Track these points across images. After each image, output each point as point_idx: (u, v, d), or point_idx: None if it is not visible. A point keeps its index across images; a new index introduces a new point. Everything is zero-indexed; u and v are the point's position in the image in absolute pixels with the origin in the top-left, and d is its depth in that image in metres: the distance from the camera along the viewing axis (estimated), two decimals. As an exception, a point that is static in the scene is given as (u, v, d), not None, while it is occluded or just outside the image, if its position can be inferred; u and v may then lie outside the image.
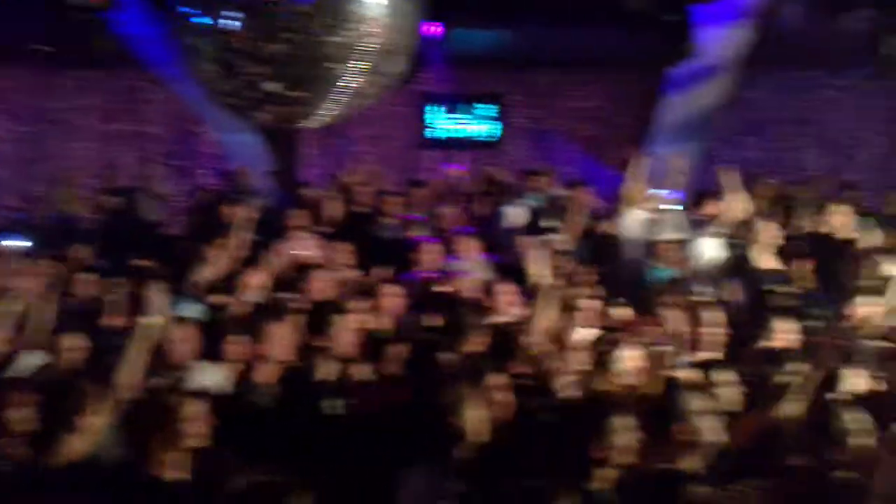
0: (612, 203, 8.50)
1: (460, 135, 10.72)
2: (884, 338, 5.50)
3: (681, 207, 7.98)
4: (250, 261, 6.52)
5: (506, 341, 4.75)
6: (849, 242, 7.52)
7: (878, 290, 6.15)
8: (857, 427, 3.38)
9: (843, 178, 10.09)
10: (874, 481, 2.83)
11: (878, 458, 2.88)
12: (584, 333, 4.97)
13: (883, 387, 4.58)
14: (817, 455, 3.35)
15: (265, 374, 4.63)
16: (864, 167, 10.63)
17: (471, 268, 7.33)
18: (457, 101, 10.71)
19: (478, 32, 9.65)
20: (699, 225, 7.51)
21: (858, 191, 9.47)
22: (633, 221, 7.77)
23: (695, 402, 3.59)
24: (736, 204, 7.29)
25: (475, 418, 3.46)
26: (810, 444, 3.38)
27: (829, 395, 4.04)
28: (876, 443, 3.20)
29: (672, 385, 4.04)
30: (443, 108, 10.75)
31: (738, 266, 7.25)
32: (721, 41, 8.38)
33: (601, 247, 8.07)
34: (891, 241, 7.49)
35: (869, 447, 3.29)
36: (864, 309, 6.00)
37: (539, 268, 5.17)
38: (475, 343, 4.89)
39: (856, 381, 4.62)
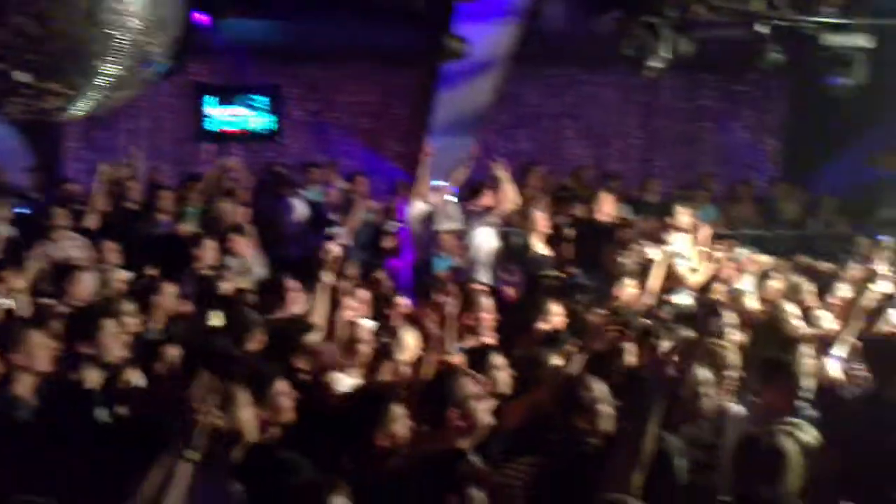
0: (391, 195, 8.62)
1: (237, 127, 10.43)
2: (645, 316, 5.89)
3: (457, 199, 8.20)
4: (7, 263, 6.03)
5: (287, 338, 4.67)
6: (614, 228, 8.03)
7: (641, 272, 6.60)
8: (604, 398, 3.61)
9: (607, 169, 10.79)
10: (622, 449, 3.04)
11: (626, 428, 3.10)
12: (364, 324, 4.98)
13: (646, 362, 4.90)
14: (572, 428, 3.54)
15: (23, 387, 4.29)
16: (625, 158, 11.38)
17: (250, 264, 7.18)
18: (233, 93, 10.41)
19: (251, 22, 9.42)
20: (476, 215, 7.75)
21: (621, 180, 10.17)
22: (415, 213, 7.91)
23: (470, 386, 3.69)
24: (509, 194, 7.58)
25: (250, 418, 3.38)
26: (566, 418, 3.57)
27: (588, 371, 4.27)
28: (623, 413, 3.43)
29: (448, 370, 4.13)
30: (218, 100, 10.42)
31: (513, 253, 7.55)
32: (488, 38, 8.66)
33: (381, 238, 8.17)
34: (651, 227, 8.06)
35: (615, 418, 3.54)
36: (628, 290, 6.43)
37: (320, 261, 5.12)
38: (255, 341, 4.77)
39: (623, 357, 4.93)
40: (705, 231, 7.61)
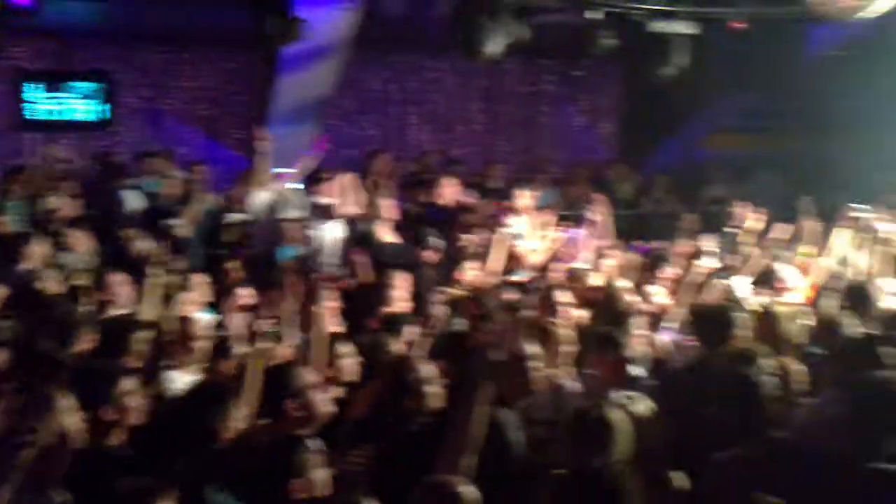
0: (233, 184, 8.39)
1: (65, 115, 9.88)
2: (486, 296, 6.00)
3: (302, 186, 8.09)
4: None
5: (118, 336, 4.47)
6: (458, 212, 8.12)
7: (483, 255, 6.71)
8: (431, 378, 3.66)
9: (451, 154, 10.91)
10: (451, 431, 3.09)
11: (454, 409, 3.16)
12: (199, 319, 4.84)
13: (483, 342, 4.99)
14: (401, 411, 3.58)
15: None
16: (468, 142, 11.52)
17: (85, 260, 6.85)
18: (59, 79, 9.86)
19: (77, 3, 8.94)
20: (320, 203, 7.67)
21: (464, 164, 10.30)
22: (257, 202, 7.75)
23: (307, 376, 3.66)
24: (356, 181, 7.55)
25: (76, 424, 3.21)
26: (395, 401, 3.61)
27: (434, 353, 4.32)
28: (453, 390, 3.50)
29: (289, 361, 4.08)
30: (43, 87, 9.84)
31: (360, 240, 7.52)
32: (328, 22, 8.56)
33: (223, 229, 7.95)
34: (493, 209, 8.20)
35: (442, 395, 3.61)
36: (470, 272, 6.54)
37: (153, 254, 4.94)
38: (85, 341, 4.55)
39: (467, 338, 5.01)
40: (546, 212, 7.82)
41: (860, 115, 10.10)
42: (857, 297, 5.64)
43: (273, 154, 7.77)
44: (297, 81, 9.14)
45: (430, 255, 6.83)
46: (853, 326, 4.99)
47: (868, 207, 7.18)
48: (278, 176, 7.97)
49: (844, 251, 6.61)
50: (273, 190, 7.81)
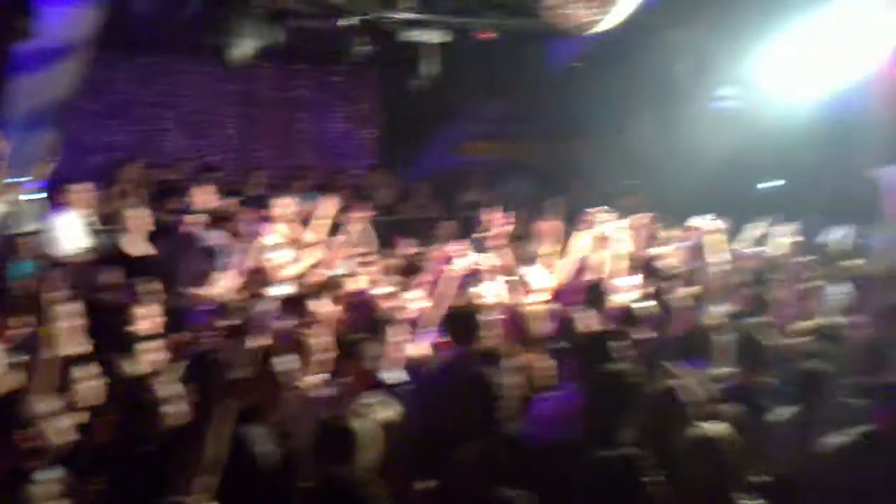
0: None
1: None
2: (243, 307, 5.87)
3: (41, 196, 7.57)
4: None
5: None
6: (212, 221, 7.91)
7: (241, 264, 6.57)
8: (170, 398, 3.56)
9: (207, 160, 10.57)
10: (183, 450, 3.02)
11: (194, 423, 3.09)
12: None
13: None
14: (137, 432, 3.46)
15: None
16: (225, 148, 11.21)
17: None
18: None
19: None
20: (62, 214, 7.22)
21: (221, 171, 10.02)
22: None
23: (39, 405, 3.42)
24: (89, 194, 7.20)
25: None
26: (130, 423, 3.48)
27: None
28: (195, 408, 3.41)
29: (19, 388, 3.79)
30: None
31: (106, 254, 7.16)
32: (66, 21, 8.05)
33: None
34: (251, 218, 8.04)
35: (182, 415, 3.51)
36: (225, 283, 6.39)
37: None
38: None
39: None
40: (315, 220, 7.77)
41: (600, 122, 10.89)
42: (594, 294, 6.05)
43: (7, 162, 7.21)
44: (32, 83, 8.51)
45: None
46: (589, 322, 5.36)
47: (606, 210, 7.72)
48: (12, 186, 7.40)
49: (584, 251, 7.06)
50: (6, 201, 7.25)
